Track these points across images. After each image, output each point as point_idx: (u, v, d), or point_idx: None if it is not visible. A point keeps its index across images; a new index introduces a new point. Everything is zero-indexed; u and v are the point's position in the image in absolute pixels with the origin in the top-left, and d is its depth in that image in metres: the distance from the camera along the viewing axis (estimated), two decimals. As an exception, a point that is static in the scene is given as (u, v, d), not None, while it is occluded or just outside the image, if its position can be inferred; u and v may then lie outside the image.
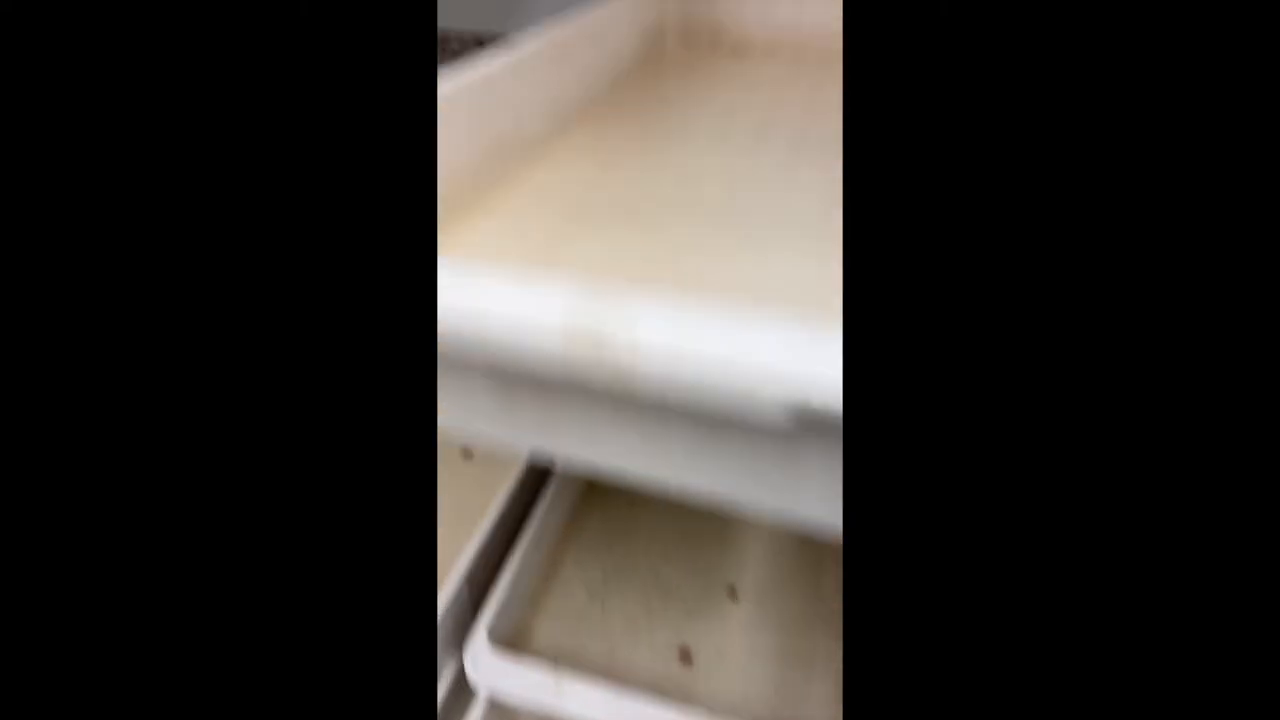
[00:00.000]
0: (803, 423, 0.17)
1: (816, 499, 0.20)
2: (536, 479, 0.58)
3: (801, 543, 0.58)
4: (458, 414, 0.23)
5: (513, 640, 0.48)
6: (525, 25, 0.84)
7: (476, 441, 0.39)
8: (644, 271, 0.33)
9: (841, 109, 0.57)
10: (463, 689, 0.45)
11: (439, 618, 0.44)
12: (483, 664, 0.42)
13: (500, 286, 0.18)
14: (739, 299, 0.31)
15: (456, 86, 0.37)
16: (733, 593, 0.54)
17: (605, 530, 0.59)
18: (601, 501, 0.60)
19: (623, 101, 0.56)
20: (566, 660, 0.48)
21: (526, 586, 0.53)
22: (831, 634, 0.51)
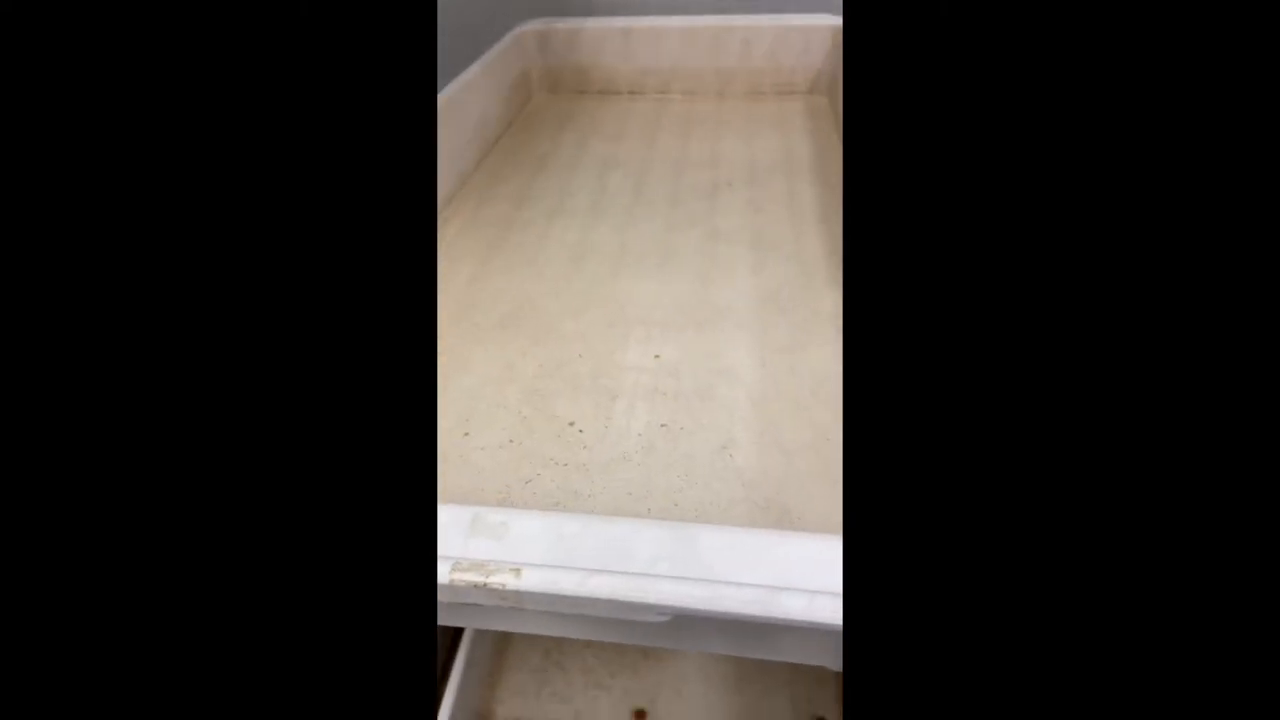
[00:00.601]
0: (681, 619, 0.18)
1: (719, 645, 0.22)
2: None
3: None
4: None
5: (476, 727, 0.49)
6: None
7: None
8: (531, 381, 0.34)
9: (711, 151, 0.58)
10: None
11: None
12: (448, 768, 0.43)
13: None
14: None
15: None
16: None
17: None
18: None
19: (498, 173, 0.55)
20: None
21: (482, 666, 0.53)
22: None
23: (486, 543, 0.19)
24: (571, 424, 0.32)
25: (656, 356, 0.36)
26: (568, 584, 0.18)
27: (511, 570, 0.18)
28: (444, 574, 0.19)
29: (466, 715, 0.49)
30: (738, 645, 0.22)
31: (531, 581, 0.18)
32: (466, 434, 0.32)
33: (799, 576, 0.18)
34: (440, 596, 0.19)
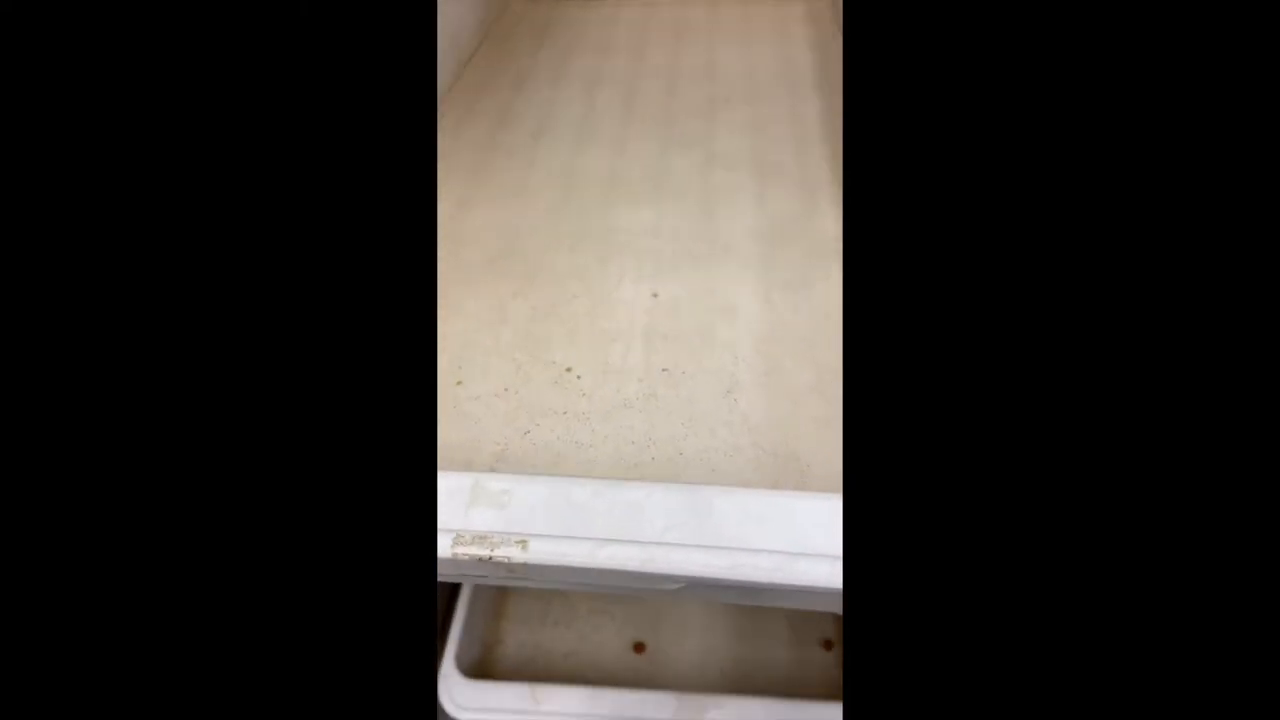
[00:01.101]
0: (694, 585, 0.18)
1: (735, 596, 0.21)
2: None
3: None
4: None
5: (482, 655, 0.50)
6: None
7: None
8: (525, 324, 0.33)
9: (706, 63, 0.54)
10: (443, 720, 0.47)
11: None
12: (458, 696, 0.44)
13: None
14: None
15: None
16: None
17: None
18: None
19: (475, 91, 0.51)
20: (540, 657, 0.51)
21: (488, 596, 0.54)
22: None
23: (489, 512, 0.18)
24: (569, 370, 0.31)
25: (654, 294, 0.34)
26: (577, 555, 0.17)
27: (518, 542, 0.18)
28: (445, 548, 0.18)
29: (474, 644, 0.51)
30: (746, 599, 0.22)
31: (539, 553, 0.17)
32: (459, 383, 0.30)
33: (817, 540, 0.17)
34: (441, 570, 0.18)
